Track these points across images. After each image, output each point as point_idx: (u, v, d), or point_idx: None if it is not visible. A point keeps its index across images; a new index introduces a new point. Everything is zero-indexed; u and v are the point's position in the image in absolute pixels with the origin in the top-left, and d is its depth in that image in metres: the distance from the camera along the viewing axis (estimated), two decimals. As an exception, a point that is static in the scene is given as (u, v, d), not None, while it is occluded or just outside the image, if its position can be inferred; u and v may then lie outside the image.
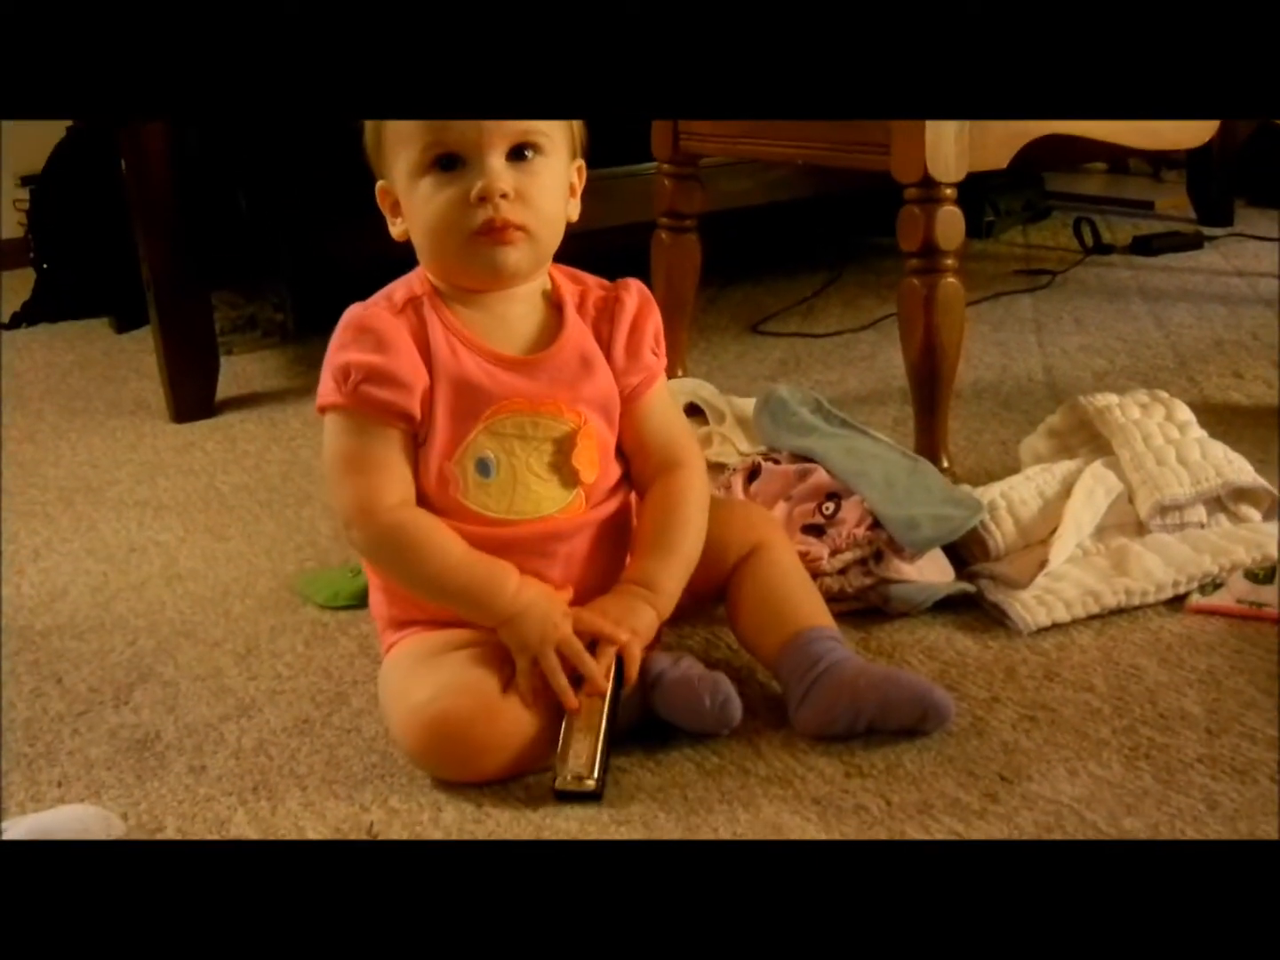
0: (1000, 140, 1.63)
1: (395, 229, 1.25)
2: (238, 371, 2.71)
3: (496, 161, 1.17)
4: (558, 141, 1.21)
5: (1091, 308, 2.72)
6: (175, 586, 1.66)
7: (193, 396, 2.40)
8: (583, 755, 1.14)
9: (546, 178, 1.20)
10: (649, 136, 2.17)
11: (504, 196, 1.17)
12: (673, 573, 1.26)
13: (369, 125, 1.23)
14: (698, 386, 1.86)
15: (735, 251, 3.15)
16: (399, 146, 1.20)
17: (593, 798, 1.13)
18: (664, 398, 1.33)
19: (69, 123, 3.76)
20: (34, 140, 3.95)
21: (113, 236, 3.14)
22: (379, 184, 1.25)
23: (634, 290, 1.30)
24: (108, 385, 2.75)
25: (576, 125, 1.25)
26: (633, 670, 1.19)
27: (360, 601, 1.50)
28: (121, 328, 3.25)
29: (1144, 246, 3.20)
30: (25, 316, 3.44)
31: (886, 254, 3.21)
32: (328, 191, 2.33)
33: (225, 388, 2.49)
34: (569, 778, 1.13)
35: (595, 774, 1.13)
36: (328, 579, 1.59)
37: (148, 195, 2.31)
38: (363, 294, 1.27)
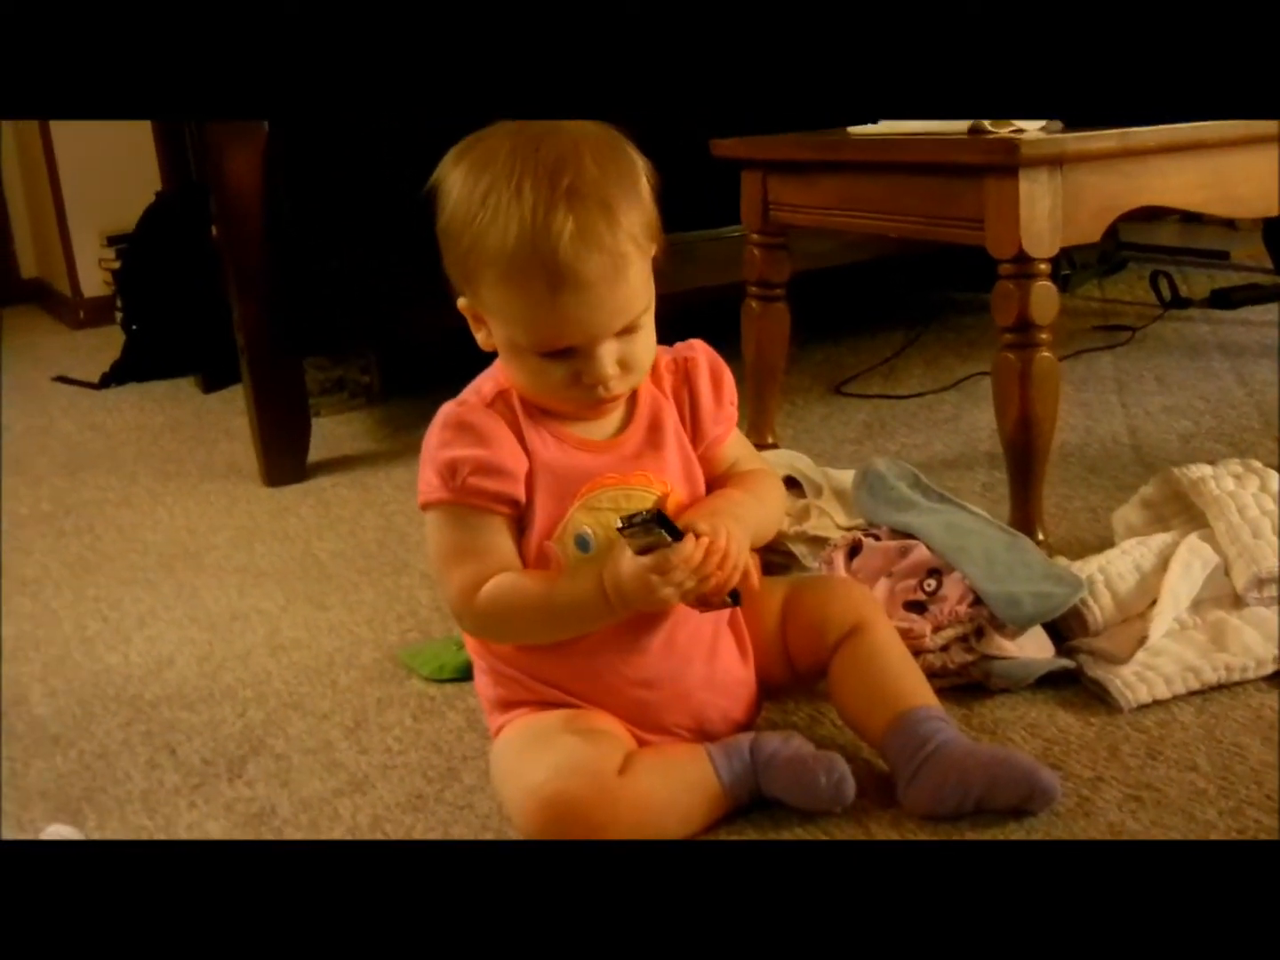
0: (1093, 214, 1.64)
1: (481, 338, 1.26)
2: (326, 434, 2.76)
3: (608, 351, 1.19)
4: (652, 292, 1.22)
5: (1172, 365, 2.72)
6: (280, 656, 1.69)
7: (285, 461, 2.45)
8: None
9: (646, 335, 1.23)
10: (731, 199, 2.20)
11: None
12: (747, 505, 1.27)
13: (454, 253, 1.21)
14: (794, 459, 1.88)
15: (816, 311, 3.17)
16: (502, 316, 1.20)
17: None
18: (736, 437, 1.38)
19: (158, 187, 3.86)
20: (119, 201, 4.06)
21: (201, 297, 3.22)
22: (461, 301, 1.25)
23: (699, 349, 1.35)
24: (199, 447, 2.81)
25: (654, 212, 1.22)
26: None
27: (465, 674, 1.52)
28: (209, 387, 3.32)
29: (1223, 300, 3.20)
30: (114, 376, 3.52)
31: (965, 310, 3.24)
32: (416, 259, 2.37)
33: (315, 450, 2.54)
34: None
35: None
36: (432, 651, 1.61)
37: (242, 261, 2.37)
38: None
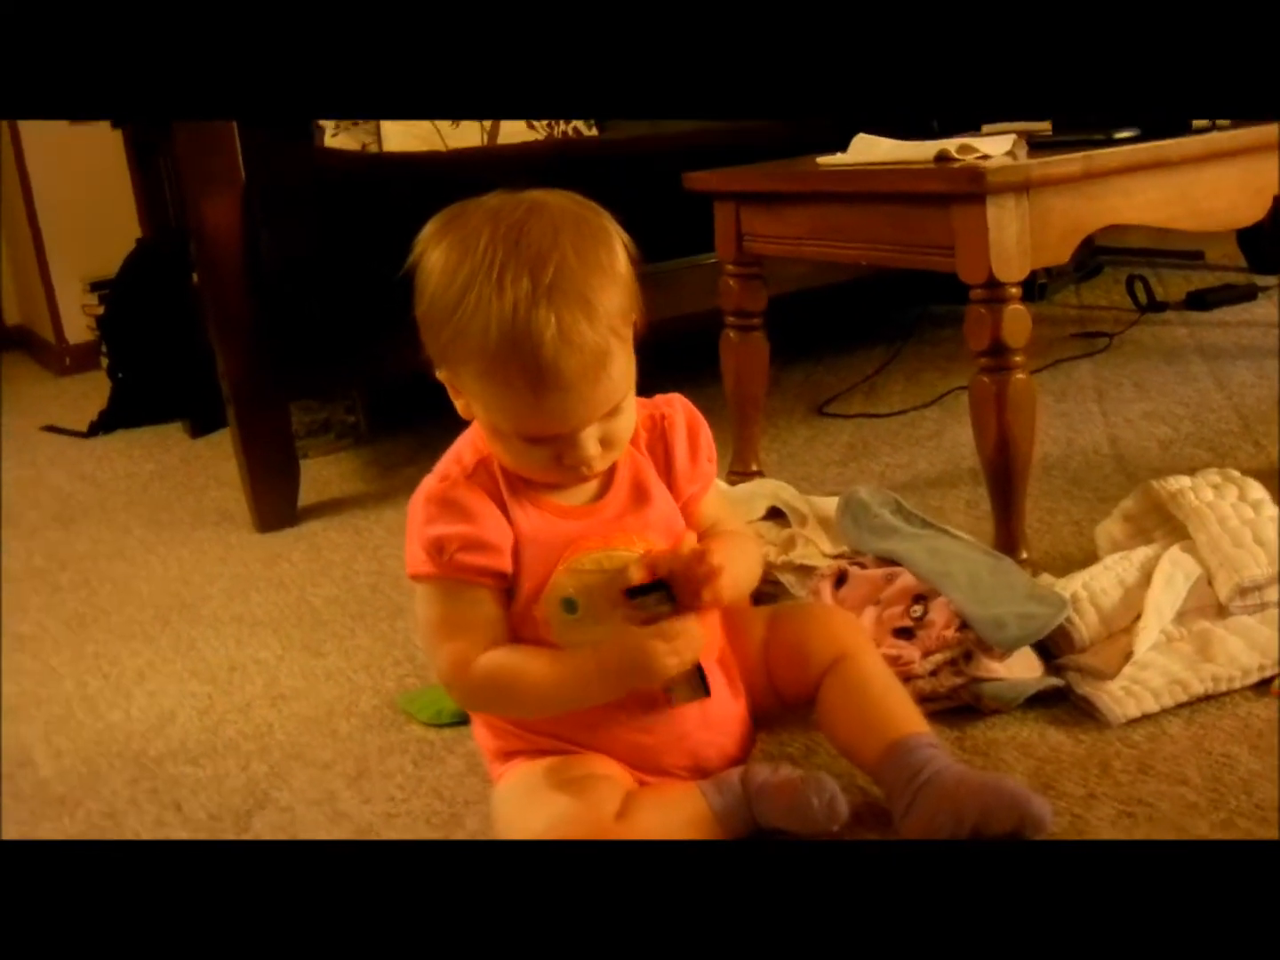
0: (1060, 236, 1.67)
1: (460, 407, 1.27)
2: (314, 476, 2.78)
3: (590, 435, 1.21)
4: (634, 373, 1.23)
5: (1150, 369, 2.75)
6: (280, 707, 1.71)
7: (276, 506, 2.46)
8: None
9: (627, 413, 1.24)
10: (708, 225, 2.22)
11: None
12: (730, 553, 1.27)
13: (434, 343, 1.22)
14: (778, 489, 1.90)
15: (795, 331, 3.19)
16: (483, 404, 1.21)
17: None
18: (715, 495, 1.39)
19: (138, 233, 3.87)
20: (100, 246, 4.08)
21: (186, 343, 3.24)
22: (440, 372, 1.25)
23: (678, 405, 1.35)
24: (189, 494, 2.82)
25: (634, 285, 1.22)
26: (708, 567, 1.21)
27: (463, 719, 1.53)
28: (197, 432, 3.33)
29: (1199, 302, 3.23)
30: (102, 424, 3.53)
31: (944, 324, 3.26)
32: (398, 299, 2.39)
33: (305, 493, 2.55)
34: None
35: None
36: (430, 697, 1.62)
37: (224, 307, 2.37)
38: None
